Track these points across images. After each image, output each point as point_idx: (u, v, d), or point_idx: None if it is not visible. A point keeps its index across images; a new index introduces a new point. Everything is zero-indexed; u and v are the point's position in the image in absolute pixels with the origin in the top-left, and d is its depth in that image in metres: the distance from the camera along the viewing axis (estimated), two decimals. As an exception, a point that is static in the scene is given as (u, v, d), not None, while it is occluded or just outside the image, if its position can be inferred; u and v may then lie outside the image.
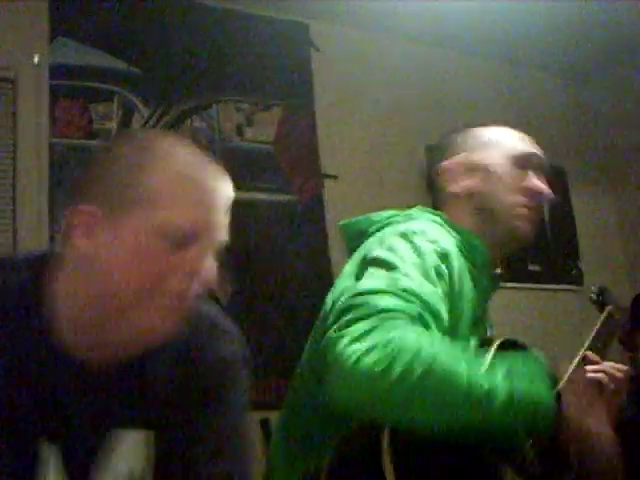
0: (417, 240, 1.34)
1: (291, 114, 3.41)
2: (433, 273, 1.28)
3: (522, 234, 1.52)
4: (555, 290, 3.83)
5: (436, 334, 1.18)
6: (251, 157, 3.26)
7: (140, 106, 3.07)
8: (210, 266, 1.03)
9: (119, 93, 3.04)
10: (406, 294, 1.19)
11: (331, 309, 1.32)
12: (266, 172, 3.27)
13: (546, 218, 3.84)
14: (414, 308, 1.17)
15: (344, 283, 1.37)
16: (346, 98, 3.58)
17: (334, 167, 3.43)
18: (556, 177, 3.44)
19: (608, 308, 1.68)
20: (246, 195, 3.18)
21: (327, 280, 3.18)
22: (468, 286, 1.41)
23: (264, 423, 2.88)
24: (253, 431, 1.23)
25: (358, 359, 1.08)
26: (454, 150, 1.58)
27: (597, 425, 1.25)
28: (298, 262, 3.21)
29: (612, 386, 1.33)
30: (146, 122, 3.06)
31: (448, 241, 1.41)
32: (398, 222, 1.47)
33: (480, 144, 1.57)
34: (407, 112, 3.72)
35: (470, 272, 1.43)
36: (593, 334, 1.54)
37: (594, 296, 1.77)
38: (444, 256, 1.34)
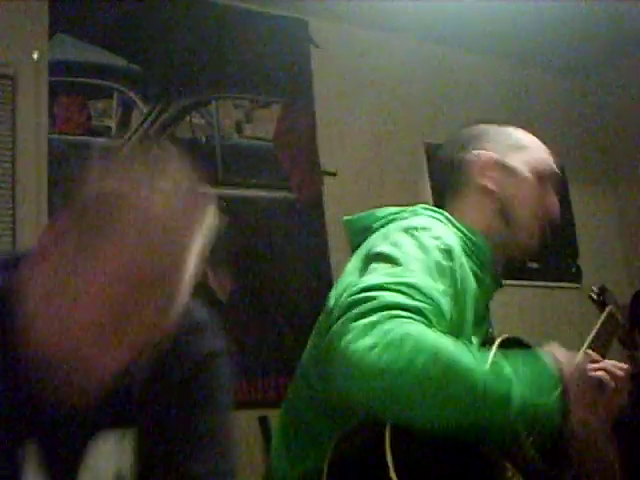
0: (421, 236, 1.34)
1: (290, 111, 3.41)
2: (436, 269, 1.28)
3: (530, 249, 1.56)
4: (554, 288, 3.83)
5: (439, 330, 1.18)
6: (250, 154, 3.26)
7: (139, 103, 3.07)
8: None
9: (118, 90, 3.04)
10: (410, 290, 1.19)
11: (335, 304, 1.32)
12: (265, 169, 3.27)
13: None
14: (418, 304, 1.17)
15: (348, 279, 1.37)
16: (345, 95, 3.58)
17: (333, 164, 3.43)
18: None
19: (609, 308, 1.68)
20: (245, 192, 3.18)
21: (326, 277, 3.18)
22: (471, 283, 1.41)
23: (263, 421, 2.88)
24: (237, 428, 1.20)
25: (362, 355, 1.09)
26: (484, 143, 1.57)
27: (598, 424, 1.26)
28: (297, 259, 3.21)
29: (613, 384, 1.34)
30: (145, 119, 3.06)
31: (452, 238, 1.41)
32: (403, 218, 1.47)
33: (513, 147, 1.56)
34: (407, 109, 3.72)
35: (472, 270, 1.43)
36: (594, 333, 1.54)
37: (595, 296, 1.77)
38: (448, 252, 1.34)
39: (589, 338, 1.51)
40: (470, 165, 1.55)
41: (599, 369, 1.34)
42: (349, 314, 1.16)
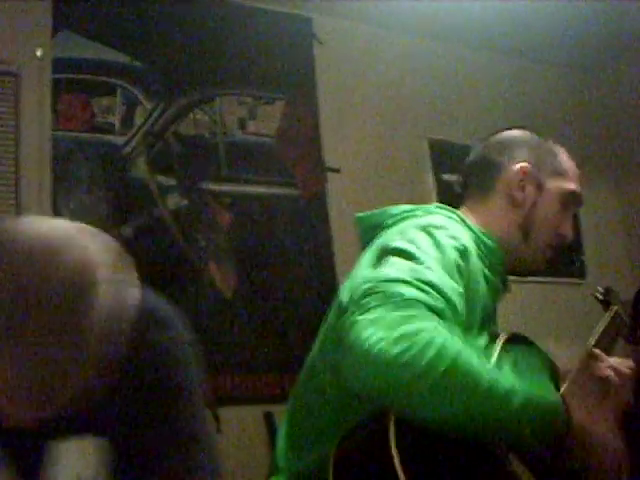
0: (438, 234, 1.34)
1: (294, 108, 3.41)
2: (453, 268, 1.28)
3: (535, 268, 1.60)
4: (558, 283, 3.83)
5: (455, 329, 1.18)
6: (254, 151, 3.26)
7: (143, 100, 3.07)
8: None
9: (122, 87, 3.04)
10: (427, 286, 1.18)
11: (350, 297, 1.31)
12: (269, 166, 3.27)
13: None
14: (434, 301, 1.17)
15: (363, 272, 1.36)
16: (349, 92, 3.58)
17: (337, 160, 3.43)
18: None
19: (614, 307, 1.69)
20: (249, 189, 3.19)
21: (330, 274, 3.19)
22: (482, 284, 1.41)
23: (268, 416, 2.89)
24: (211, 422, 1.17)
25: (383, 348, 1.08)
26: (527, 154, 1.57)
27: (603, 425, 1.26)
28: (301, 255, 3.21)
29: (618, 381, 1.34)
30: (149, 116, 3.06)
31: (467, 238, 1.41)
32: (416, 216, 1.47)
33: (555, 171, 1.57)
34: (410, 106, 3.71)
35: (483, 272, 1.44)
36: (600, 332, 1.54)
37: (600, 296, 1.77)
38: (463, 252, 1.34)
39: (595, 336, 1.51)
40: (508, 173, 1.55)
41: (606, 367, 1.35)
42: (367, 302, 1.15)
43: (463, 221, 1.50)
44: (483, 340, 1.37)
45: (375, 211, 1.56)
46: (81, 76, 2.97)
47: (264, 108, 3.34)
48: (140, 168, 2.99)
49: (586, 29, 3.81)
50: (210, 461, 1.11)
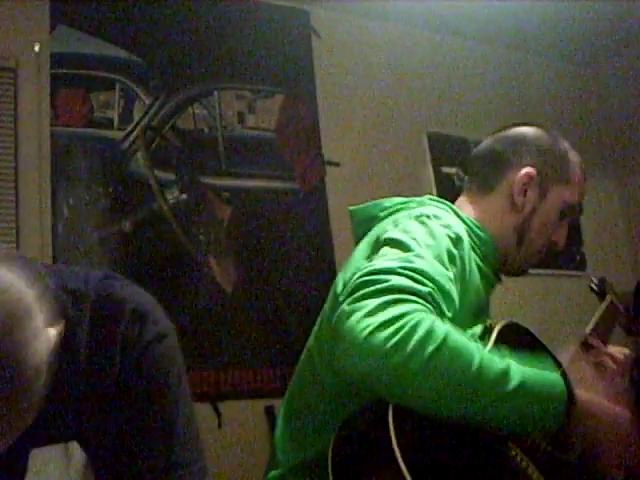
0: (431, 224, 1.35)
1: (292, 101, 3.40)
2: (446, 256, 1.29)
3: (519, 271, 1.61)
4: (558, 275, 3.83)
5: (445, 315, 1.19)
6: (252, 144, 3.26)
7: (141, 94, 3.07)
8: None
9: (120, 81, 3.04)
10: (419, 276, 1.19)
11: (343, 288, 1.32)
12: (268, 159, 3.27)
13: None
14: (427, 290, 1.18)
15: (357, 263, 1.38)
16: (348, 85, 3.57)
17: (336, 154, 3.43)
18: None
19: (609, 297, 1.71)
20: (248, 183, 3.19)
21: (330, 267, 3.19)
22: (475, 274, 1.42)
23: (269, 410, 2.90)
24: (195, 415, 1.13)
25: (371, 332, 1.09)
26: (538, 157, 1.56)
27: (604, 403, 1.26)
28: (301, 249, 3.21)
29: (613, 367, 1.35)
30: (147, 110, 3.06)
31: (460, 227, 1.42)
32: (410, 207, 1.48)
33: (562, 178, 1.57)
34: (409, 99, 3.71)
35: (476, 262, 1.45)
36: (595, 321, 1.56)
37: (594, 286, 1.79)
38: (457, 241, 1.35)
39: (590, 325, 1.52)
40: (513, 174, 1.55)
41: (601, 353, 1.36)
42: (358, 293, 1.16)
43: (456, 213, 1.50)
44: (478, 329, 1.37)
45: (368, 204, 1.56)
46: (79, 71, 2.97)
47: (263, 102, 3.34)
48: (139, 163, 2.99)
49: (585, 23, 3.81)
50: (194, 457, 1.09)
